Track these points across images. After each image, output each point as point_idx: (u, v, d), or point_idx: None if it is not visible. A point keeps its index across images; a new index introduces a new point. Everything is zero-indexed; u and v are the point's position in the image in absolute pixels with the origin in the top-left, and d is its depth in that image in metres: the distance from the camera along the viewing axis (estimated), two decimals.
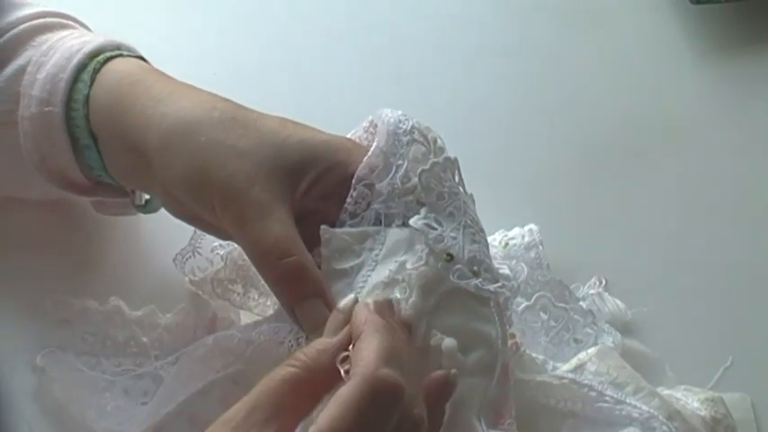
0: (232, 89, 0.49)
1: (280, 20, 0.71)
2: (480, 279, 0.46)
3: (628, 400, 0.49)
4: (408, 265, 0.45)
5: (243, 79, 0.65)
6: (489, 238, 0.57)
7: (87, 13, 0.56)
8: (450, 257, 0.46)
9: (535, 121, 0.68)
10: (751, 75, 0.72)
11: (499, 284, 0.46)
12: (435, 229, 0.46)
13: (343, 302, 0.43)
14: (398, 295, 0.44)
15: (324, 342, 0.41)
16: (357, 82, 0.68)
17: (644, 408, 0.49)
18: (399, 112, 0.49)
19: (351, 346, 0.40)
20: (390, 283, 0.44)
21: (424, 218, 0.46)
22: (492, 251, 0.55)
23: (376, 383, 0.37)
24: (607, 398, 0.49)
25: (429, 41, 0.71)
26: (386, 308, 0.42)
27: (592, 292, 0.59)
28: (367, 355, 0.39)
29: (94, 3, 0.62)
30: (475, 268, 0.46)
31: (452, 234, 0.46)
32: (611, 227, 0.63)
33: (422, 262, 0.45)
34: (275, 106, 0.49)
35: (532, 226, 0.59)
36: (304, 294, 0.44)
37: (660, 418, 0.48)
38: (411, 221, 0.46)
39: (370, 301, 0.42)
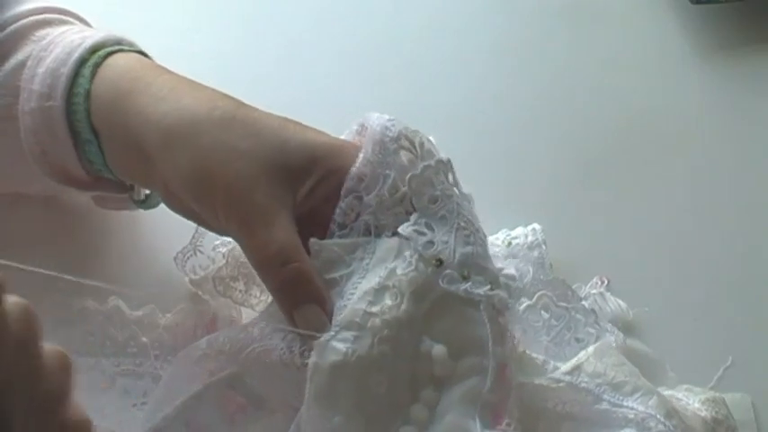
0: (229, 89, 0.49)
1: (279, 18, 0.71)
2: (470, 283, 0.46)
3: (625, 402, 0.49)
4: (398, 271, 0.45)
5: (240, 79, 0.65)
6: (492, 237, 0.57)
7: (86, 10, 0.56)
8: (440, 263, 0.45)
9: (536, 121, 0.68)
10: (751, 74, 0.72)
11: (489, 287, 0.46)
12: (425, 234, 0.46)
13: None
14: (389, 302, 0.44)
15: None
16: (360, 82, 0.68)
17: (640, 408, 0.48)
18: (386, 117, 0.48)
19: None
20: (381, 289, 0.44)
21: (414, 224, 0.46)
22: (495, 250, 0.55)
23: None
24: (604, 401, 0.49)
25: (432, 43, 0.71)
26: None
27: (594, 291, 0.59)
28: None
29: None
30: (465, 272, 0.46)
31: (444, 238, 0.46)
32: (613, 226, 0.63)
33: (411, 267, 0.45)
34: (274, 107, 0.48)
35: (535, 225, 0.59)
36: (303, 300, 0.44)
37: (657, 416, 0.48)
38: (400, 229, 0.46)
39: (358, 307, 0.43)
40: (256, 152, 0.45)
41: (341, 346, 0.43)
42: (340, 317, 0.44)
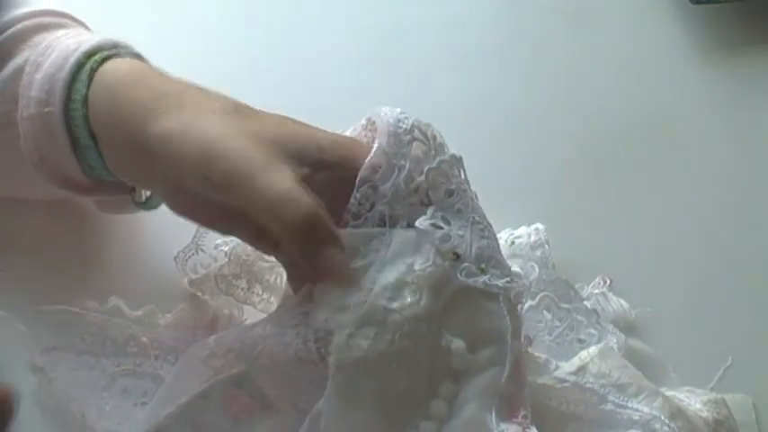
0: (228, 88, 0.49)
1: (279, 19, 0.71)
2: (488, 276, 0.46)
3: (630, 404, 0.49)
4: (416, 267, 0.45)
5: (239, 79, 0.65)
6: None
7: (84, 11, 0.55)
8: (457, 256, 0.46)
9: (538, 121, 0.68)
10: (751, 75, 0.72)
11: (507, 279, 0.46)
12: (442, 228, 0.46)
13: None
14: (409, 298, 0.44)
15: None
16: (361, 81, 0.67)
17: (645, 410, 0.49)
18: (398, 110, 0.48)
19: None
20: (399, 285, 0.44)
21: (431, 218, 0.46)
22: None
23: None
24: (609, 401, 0.49)
25: (434, 42, 0.71)
26: None
27: (596, 291, 0.59)
28: None
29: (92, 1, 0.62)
30: (482, 265, 0.46)
31: (460, 232, 0.46)
32: (615, 226, 0.63)
33: (429, 263, 0.45)
34: (273, 107, 0.48)
35: (538, 225, 0.59)
36: (321, 241, 0.43)
37: (662, 418, 0.48)
38: (417, 223, 0.46)
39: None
40: (259, 135, 0.44)
41: (362, 343, 0.43)
42: (360, 313, 0.43)
